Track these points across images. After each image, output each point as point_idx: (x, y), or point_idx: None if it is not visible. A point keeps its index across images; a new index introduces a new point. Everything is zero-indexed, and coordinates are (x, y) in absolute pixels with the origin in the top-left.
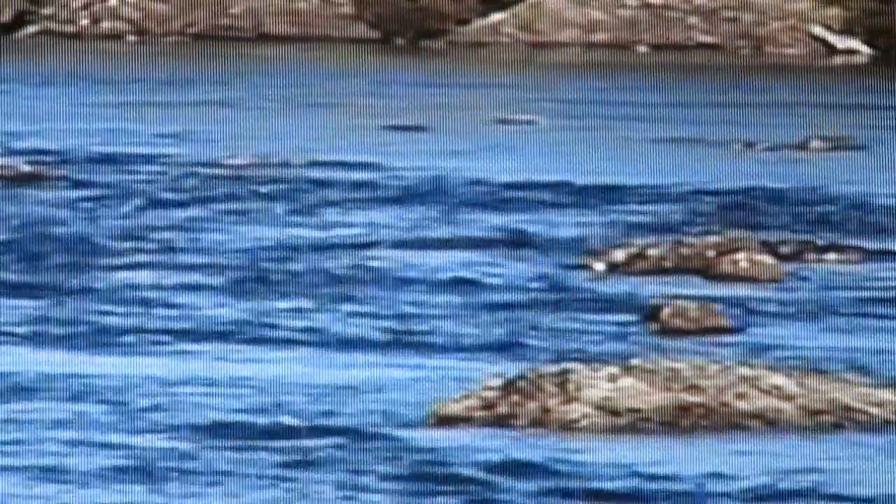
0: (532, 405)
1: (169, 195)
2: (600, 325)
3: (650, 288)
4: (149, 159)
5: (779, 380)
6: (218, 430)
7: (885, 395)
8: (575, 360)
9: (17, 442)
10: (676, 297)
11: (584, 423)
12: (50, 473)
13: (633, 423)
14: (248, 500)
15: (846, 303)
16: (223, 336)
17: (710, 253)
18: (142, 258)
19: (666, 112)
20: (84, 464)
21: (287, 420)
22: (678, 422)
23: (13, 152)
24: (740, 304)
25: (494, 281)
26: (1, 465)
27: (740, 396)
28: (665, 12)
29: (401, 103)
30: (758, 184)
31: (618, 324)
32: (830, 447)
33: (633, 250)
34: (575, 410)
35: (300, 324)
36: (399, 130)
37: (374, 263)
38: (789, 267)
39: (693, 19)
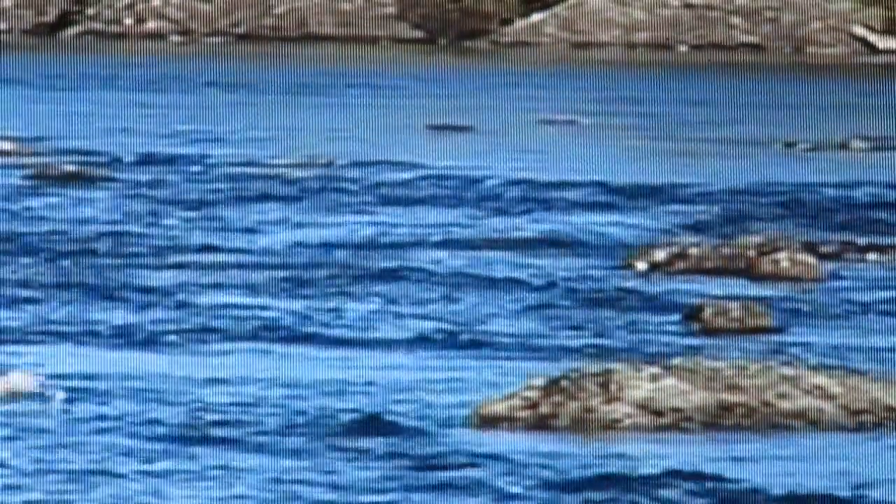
0: (574, 405)
1: (213, 195)
2: (642, 325)
3: (692, 287)
4: (192, 159)
5: (820, 379)
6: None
7: None
8: (617, 359)
9: (70, 434)
10: (718, 296)
11: (626, 422)
12: (100, 475)
13: (675, 423)
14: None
15: (887, 302)
16: (268, 336)
17: (752, 253)
18: (186, 257)
19: (707, 112)
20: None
21: (338, 417)
22: (720, 421)
23: (58, 152)
24: (781, 304)
25: (536, 280)
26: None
27: (782, 396)
28: (706, 12)
29: (444, 103)
30: (799, 183)
31: (659, 323)
32: (872, 446)
33: (675, 250)
34: (617, 410)
35: (342, 323)
36: (443, 130)
37: (418, 263)
38: (830, 266)
39: (734, 19)
